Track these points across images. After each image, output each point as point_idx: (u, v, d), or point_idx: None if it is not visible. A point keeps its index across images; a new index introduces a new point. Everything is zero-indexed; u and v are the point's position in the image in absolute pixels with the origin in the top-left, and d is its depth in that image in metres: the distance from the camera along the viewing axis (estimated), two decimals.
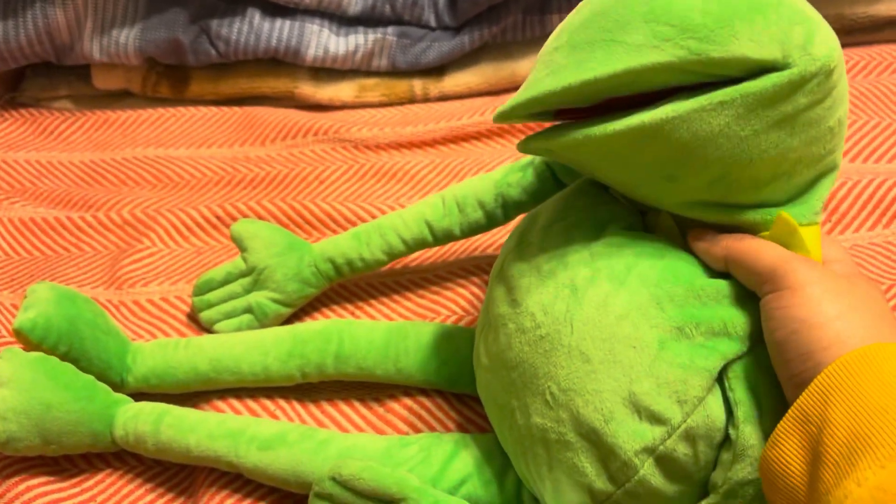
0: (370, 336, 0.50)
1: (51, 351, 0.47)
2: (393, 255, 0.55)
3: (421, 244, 0.54)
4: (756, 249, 0.35)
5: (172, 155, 0.74)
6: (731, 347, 0.35)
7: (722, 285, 0.36)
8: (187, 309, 0.59)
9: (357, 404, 0.51)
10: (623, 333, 0.36)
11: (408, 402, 0.50)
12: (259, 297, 0.54)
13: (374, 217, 0.62)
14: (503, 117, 0.36)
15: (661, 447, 0.34)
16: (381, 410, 0.50)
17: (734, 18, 0.32)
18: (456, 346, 0.49)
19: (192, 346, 0.51)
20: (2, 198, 0.69)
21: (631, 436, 0.35)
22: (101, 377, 0.49)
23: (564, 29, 0.36)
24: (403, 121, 0.73)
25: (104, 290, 0.61)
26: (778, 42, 0.32)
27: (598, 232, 0.39)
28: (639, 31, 0.33)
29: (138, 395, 0.51)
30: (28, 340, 0.47)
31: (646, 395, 0.35)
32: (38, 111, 0.80)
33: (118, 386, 0.50)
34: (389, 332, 0.50)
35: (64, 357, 0.48)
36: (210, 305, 0.56)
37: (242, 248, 0.56)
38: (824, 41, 0.34)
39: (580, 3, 0.37)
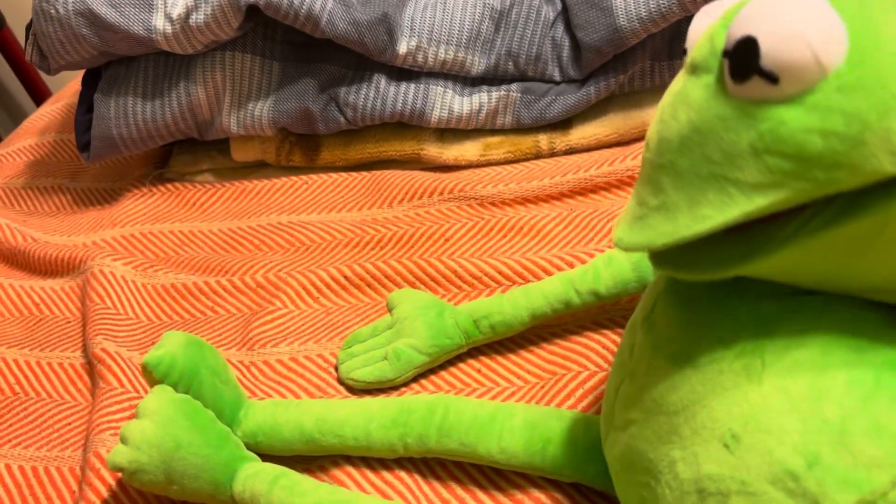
0: (476, 410, 0.47)
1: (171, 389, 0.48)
2: (535, 315, 0.53)
3: (565, 304, 0.53)
4: None
5: (304, 220, 0.75)
6: None
7: None
8: (316, 369, 0.59)
9: (481, 494, 0.48)
10: (830, 363, 0.30)
11: (537, 494, 0.46)
12: (397, 344, 0.55)
13: (500, 272, 0.61)
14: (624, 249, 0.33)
15: (883, 501, 0.28)
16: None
17: (865, 132, 0.26)
18: (566, 426, 0.45)
19: (302, 405, 0.51)
20: (147, 266, 0.72)
21: (843, 484, 0.28)
22: None
23: (665, 139, 0.31)
24: (529, 176, 0.71)
25: (236, 352, 0.62)
26: None
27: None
28: (751, 167, 0.28)
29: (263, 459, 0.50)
30: (152, 376, 0.48)
31: (861, 435, 0.28)
32: (182, 185, 0.84)
33: None
34: (497, 409, 0.47)
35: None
36: (353, 358, 0.57)
37: (391, 308, 0.57)
38: None
39: (669, 100, 0.32)
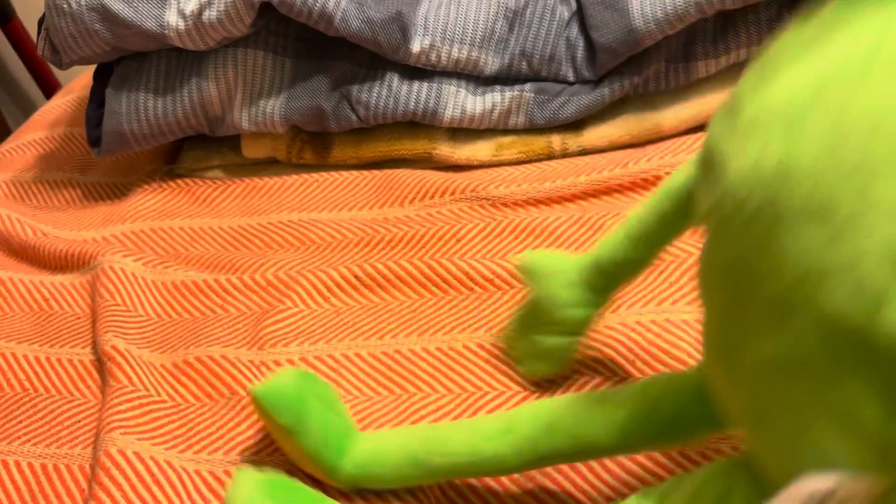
0: (578, 403, 0.44)
1: (276, 418, 0.48)
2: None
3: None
4: None
5: (315, 218, 0.75)
6: None
7: None
8: (325, 369, 0.59)
9: None
10: (882, 149, 0.21)
11: None
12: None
13: (512, 274, 0.60)
14: None
15: None
16: None
17: None
18: (677, 391, 0.41)
19: (406, 429, 0.51)
20: (157, 262, 0.72)
21: None
22: (317, 455, 0.48)
23: None
24: (542, 177, 0.71)
25: (247, 351, 0.61)
26: None
27: None
28: None
29: None
30: (259, 405, 0.48)
31: None
32: (192, 181, 0.84)
33: (334, 471, 0.49)
34: (602, 393, 0.44)
35: (289, 428, 0.48)
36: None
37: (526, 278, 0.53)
38: None
39: None
